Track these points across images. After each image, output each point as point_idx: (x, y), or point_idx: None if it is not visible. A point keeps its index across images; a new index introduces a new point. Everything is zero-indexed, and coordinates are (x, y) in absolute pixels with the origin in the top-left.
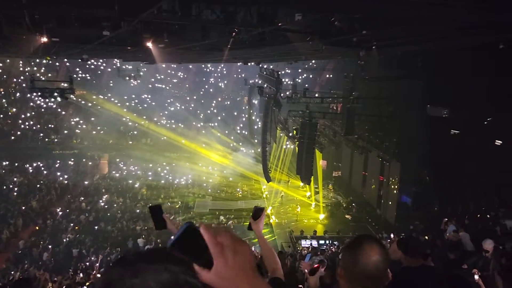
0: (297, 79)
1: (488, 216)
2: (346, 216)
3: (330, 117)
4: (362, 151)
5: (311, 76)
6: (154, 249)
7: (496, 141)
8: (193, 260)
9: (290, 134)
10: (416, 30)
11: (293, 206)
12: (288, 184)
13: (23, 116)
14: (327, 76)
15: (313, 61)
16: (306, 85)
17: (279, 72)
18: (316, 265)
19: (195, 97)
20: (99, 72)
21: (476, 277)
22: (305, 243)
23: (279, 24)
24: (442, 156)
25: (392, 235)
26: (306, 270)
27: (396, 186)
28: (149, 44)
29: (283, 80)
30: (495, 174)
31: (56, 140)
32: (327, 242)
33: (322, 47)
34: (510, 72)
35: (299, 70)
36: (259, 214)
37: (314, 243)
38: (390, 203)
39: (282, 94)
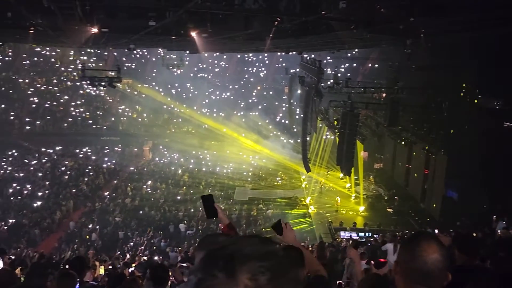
0: (339, 69)
1: None
2: (387, 209)
3: (373, 108)
4: (406, 143)
5: (354, 65)
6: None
7: None
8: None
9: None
10: (467, 17)
11: (332, 197)
12: (328, 174)
13: (73, 103)
14: (370, 65)
15: (356, 50)
16: (348, 75)
17: (321, 61)
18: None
19: (236, 86)
20: (144, 61)
21: None
22: (344, 234)
23: (323, 12)
24: (493, 149)
25: (436, 230)
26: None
27: (442, 180)
28: (193, 34)
29: (325, 69)
30: None
31: (104, 127)
32: (367, 234)
33: (366, 35)
34: None
35: (342, 59)
36: (280, 227)
37: (354, 235)
38: (435, 197)
39: (323, 84)
